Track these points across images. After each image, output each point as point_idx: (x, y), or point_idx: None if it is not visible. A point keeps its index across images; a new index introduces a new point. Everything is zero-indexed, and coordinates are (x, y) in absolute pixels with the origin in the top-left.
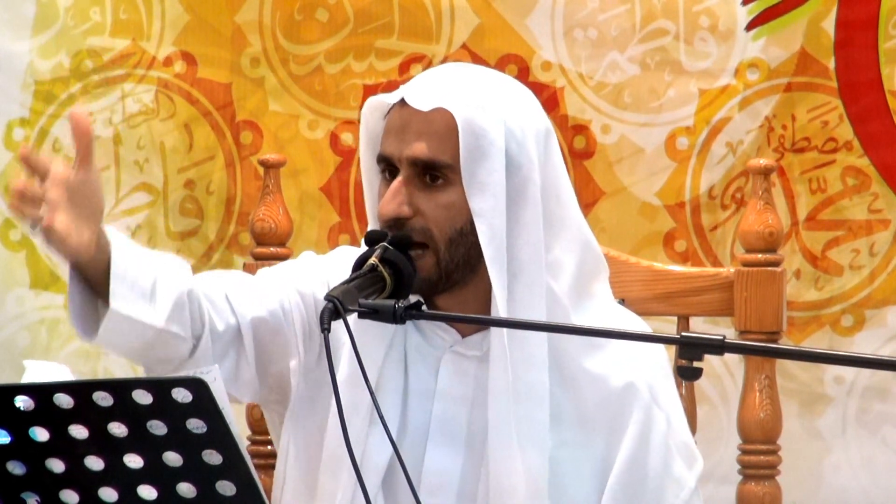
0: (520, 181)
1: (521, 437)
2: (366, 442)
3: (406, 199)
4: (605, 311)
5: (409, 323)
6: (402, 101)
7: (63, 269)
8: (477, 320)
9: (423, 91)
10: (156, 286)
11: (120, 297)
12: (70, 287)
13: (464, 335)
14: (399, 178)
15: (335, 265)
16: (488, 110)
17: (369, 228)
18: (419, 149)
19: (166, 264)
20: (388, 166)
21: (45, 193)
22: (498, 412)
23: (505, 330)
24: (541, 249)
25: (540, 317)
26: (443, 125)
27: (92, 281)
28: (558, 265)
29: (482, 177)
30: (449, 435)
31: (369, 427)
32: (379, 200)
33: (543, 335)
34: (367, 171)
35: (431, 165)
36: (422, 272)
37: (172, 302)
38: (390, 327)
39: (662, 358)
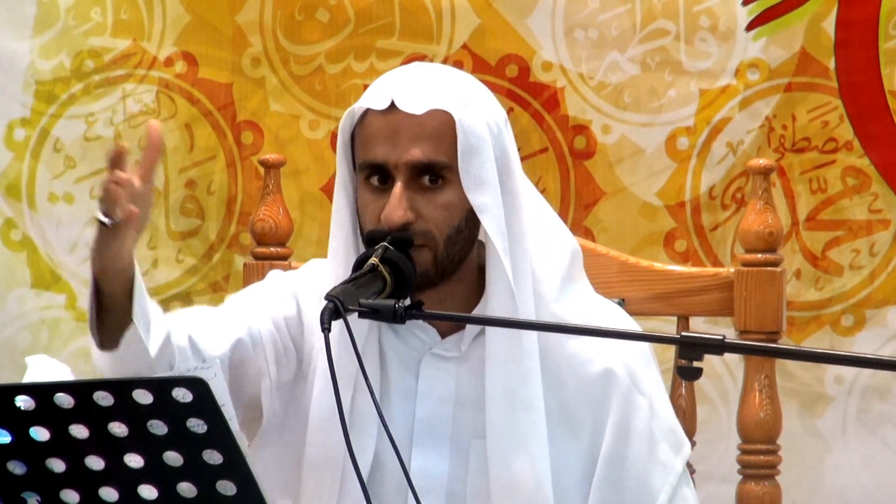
0: (502, 172)
1: (522, 431)
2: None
3: (408, 204)
4: (585, 297)
5: (384, 326)
6: (389, 106)
7: (67, 270)
8: (479, 320)
9: (412, 94)
10: (151, 316)
11: (140, 318)
12: (91, 300)
13: (443, 335)
14: (399, 184)
15: (304, 279)
16: (472, 106)
17: (333, 238)
18: (417, 152)
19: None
20: (376, 172)
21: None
22: (497, 409)
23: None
24: (525, 239)
25: (529, 305)
26: (435, 126)
27: (104, 295)
28: (531, 254)
29: (478, 172)
30: (434, 437)
31: (351, 430)
32: (366, 207)
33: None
34: (343, 178)
35: (430, 167)
36: (419, 267)
37: (164, 336)
38: (364, 331)
39: (643, 343)
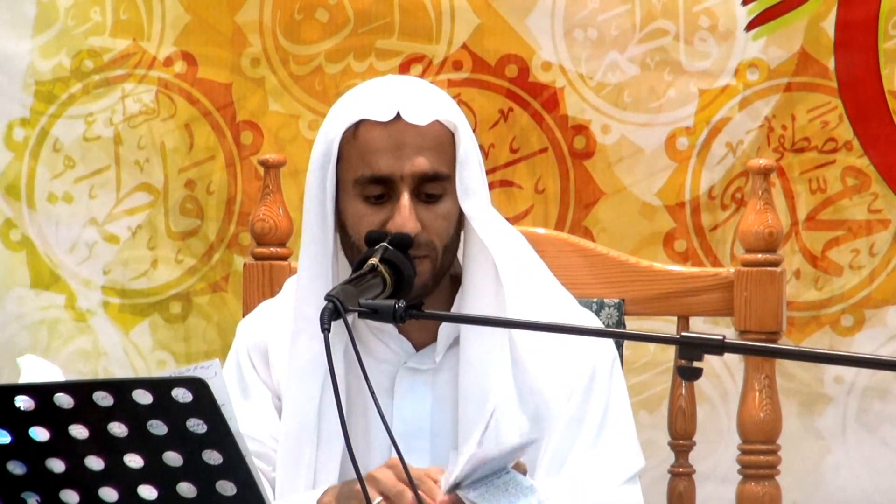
0: (483, 180)
1: (496, 434)
2: (317, 453)
3: (415, 216)
4: (567, 300)
5: (357, 341)
6: (395, 117)
7: (67, 269)
8: (479, 321)
9: (417, 105)
10: None
11: None
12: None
13: (417, 347)
14: (406, 195)
15: (260, 323)
16: (462, 117)
17: (304, 256)
18: (424, 162)
19: None
20: (376, 185)
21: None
22: (470, 414)
23: (482, 329)
24: (508, 245)
25: (516, 309)
26: (435, 137)
27: None
28: (516, 259)
29: (469, 181)
30: (413, 451)
31: (318, 449)
32: (361, 219)
33: (505, 330)
34: (321, 192)
35: (434, 178)
36: (419, 278)
37: None
38: (341, 348)
39: (613, 350)
